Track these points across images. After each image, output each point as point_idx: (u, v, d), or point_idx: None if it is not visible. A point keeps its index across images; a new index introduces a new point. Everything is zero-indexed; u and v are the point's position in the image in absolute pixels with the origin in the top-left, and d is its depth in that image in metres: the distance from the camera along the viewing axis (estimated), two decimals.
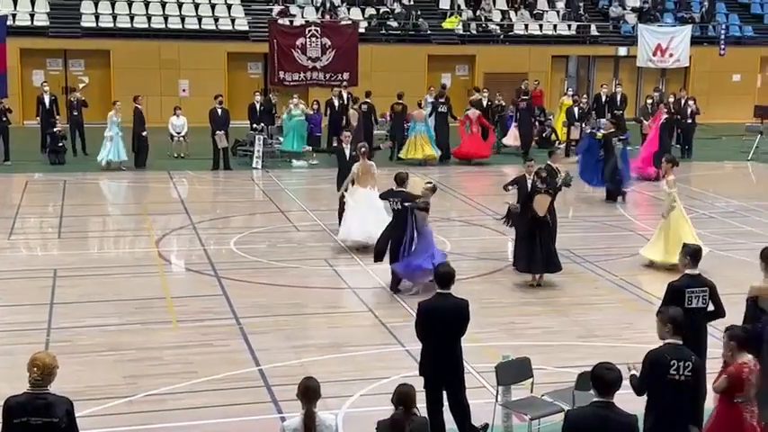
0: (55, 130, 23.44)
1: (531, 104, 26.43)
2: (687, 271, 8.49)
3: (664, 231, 14.38)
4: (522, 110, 25.85)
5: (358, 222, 15.10)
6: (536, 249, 13.29)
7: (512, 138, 26.16)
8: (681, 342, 7.00)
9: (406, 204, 13.14)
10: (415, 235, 13.12)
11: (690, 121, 25.90)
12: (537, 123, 26.85)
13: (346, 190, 15.48)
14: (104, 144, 22.60)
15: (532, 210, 13.30)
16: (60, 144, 23.46)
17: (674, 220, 14.30)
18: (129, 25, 31.16)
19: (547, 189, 13.38)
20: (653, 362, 6.90)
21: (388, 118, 25.83)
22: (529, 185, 13.69)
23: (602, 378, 6.11)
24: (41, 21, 30.63)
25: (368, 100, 25.25)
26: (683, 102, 26.30)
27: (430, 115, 24.75)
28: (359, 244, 15.20)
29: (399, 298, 12.81)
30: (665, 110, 23.57)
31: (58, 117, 24.03)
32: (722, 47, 33.08)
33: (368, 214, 15.04)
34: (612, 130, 20.41)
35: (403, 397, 6.65)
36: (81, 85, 26.19)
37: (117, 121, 22.60)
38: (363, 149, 15.43)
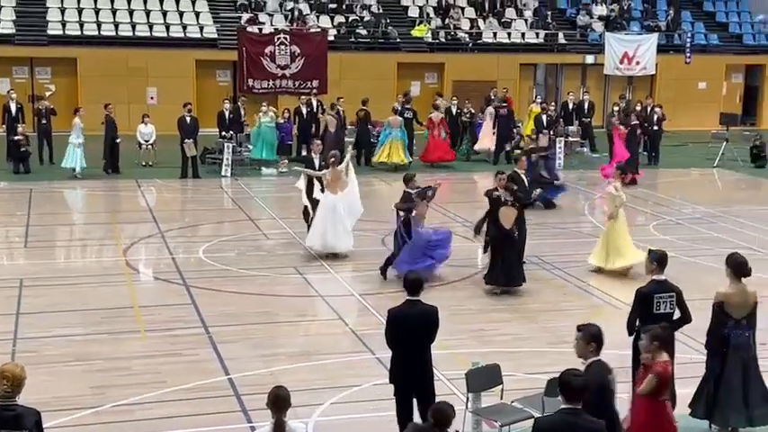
0: (16, 137, 23.17)
1: (510, 111, 26.97)
2: (654, 277, 8.57)
3: (605, 237, 14.54)
4: (502, 116, 26.27)
5: (322, 232, 15.27)
6: (498, 262, 13.33)
7: (486, 141, 26.47)
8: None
9: (394, 206, 13.87)
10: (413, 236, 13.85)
11: (656, 128, 26.14)
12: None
13: (309, 195, 15.70)
14: (73, 150, 22.39)
15: (498, 222, 13.35)
16: (23, 150, 23.14)
17: (615, 226, 14.42)
18: (96, 33, 30.95)
19: (513, 202, 13.37)
20: (603, 388, 6.78)
21: (355, 124, 25.97)
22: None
23: (570, 384, 6.13)
24: (7, 28, 30.34)
25: (338, 106, 25.51)
26: (649, 109, 26.55)
27: None
28: (320, 253, 15.34)
29: (369, 305, 12.80)
30: (618, 122, 23.83)
31: (23, 125, 23.75)
32: (688, 55, 33.45)
33: (334, 224, 15.23)
34: (533, 146, 20.47)
35: (437, 415, 6.44)
36: (48, 93, 25.99)
37: (82, 128, 22.45)
38: (333, 159, 15.49)
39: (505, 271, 13.27)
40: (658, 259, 8.61)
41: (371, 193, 21.92)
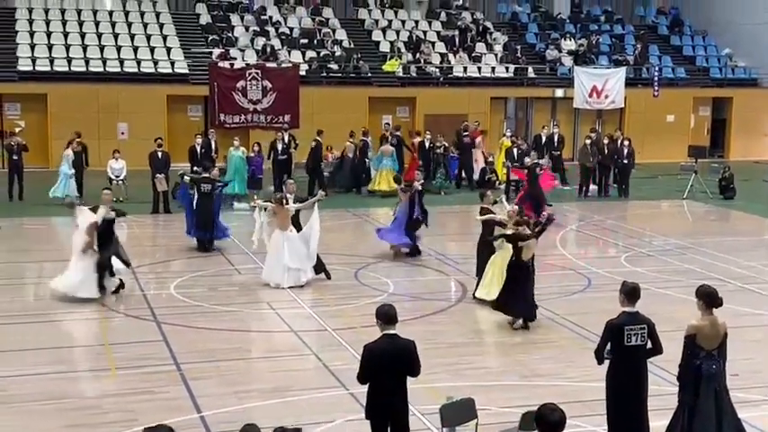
0: None
1: (472, 139, 27.90)
2: (625, 309, 8.59)
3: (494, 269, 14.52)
4: (466, 144, 27.54)
5: (268, 266, 15.82)
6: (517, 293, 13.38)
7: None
8: None
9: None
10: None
11: (626, 161, 26.40)
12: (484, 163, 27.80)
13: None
14: (66, 181, 23.14)
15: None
16: None
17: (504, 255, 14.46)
18: (66, 69, 30.86)
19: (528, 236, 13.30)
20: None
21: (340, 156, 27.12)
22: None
23: (547, 419, 6.10)
24: None
25: (318, 138, 26.24)
26: (619, 142, 26.83)
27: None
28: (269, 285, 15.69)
29: (342, 340, 12.74)
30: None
31: None
32: (656, 88, 33.88)
33: (277, 259, 15.62)
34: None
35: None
36: (17, 129, 25.85)
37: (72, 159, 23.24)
38: (279, 196, 16.16)
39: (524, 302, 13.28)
40: (627, 291, 8.62)
41: (347, 227, 21.90)
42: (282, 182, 22.12)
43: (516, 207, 15.27)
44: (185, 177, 19.46)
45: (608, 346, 8.54)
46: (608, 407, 8.64)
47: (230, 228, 19.24)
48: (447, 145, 27.57)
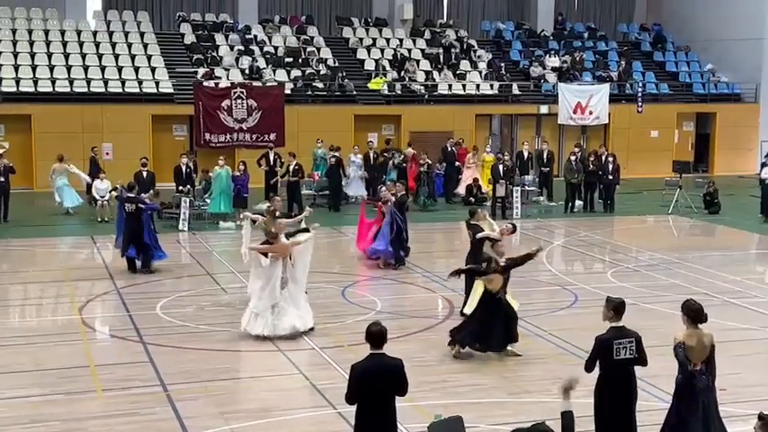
0: None
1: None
2: (612, 324, 8.61)
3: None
4: (451, 153, 28.37)
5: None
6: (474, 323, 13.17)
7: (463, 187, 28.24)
8: None
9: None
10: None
11: (611, 177, 26.50)
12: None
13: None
14: (68, 191, 24.38)
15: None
16: None
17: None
18: (50, 89, 30.79)
19: (501, 268, 13.22)
20: None
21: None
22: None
23: None
24: None
25: (336, 154, 26.52)
26: (603, 158, 26.93)
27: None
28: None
29: (329, 359, 12.68)
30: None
31: None
32: (640, 104, 34.06)
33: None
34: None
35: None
36: (1, 151, 25.76)
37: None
38: (271, 207, 15.85)
39: (476, 333, 13.07)
40: (614, 307, 8.66)
41: (334, 245, 21.88)
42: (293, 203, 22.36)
43: (510, 226, 15.14)
44: (112, 193, 19.61)
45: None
46: (597, 422, 8.63)
47: (165, 254, 18.76)
48: (431, 162, 27.62)
